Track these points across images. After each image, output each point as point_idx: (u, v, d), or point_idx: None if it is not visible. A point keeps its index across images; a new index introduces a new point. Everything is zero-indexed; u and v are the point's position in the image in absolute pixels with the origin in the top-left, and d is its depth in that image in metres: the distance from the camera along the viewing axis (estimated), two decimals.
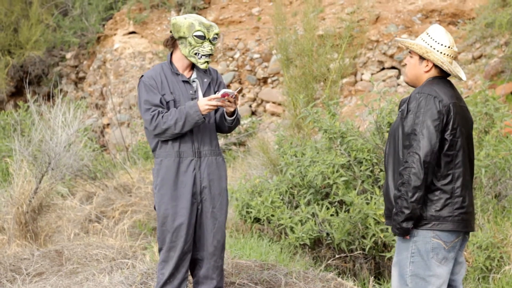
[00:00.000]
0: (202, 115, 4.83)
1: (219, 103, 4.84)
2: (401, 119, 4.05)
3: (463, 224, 4.03)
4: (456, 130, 3.99)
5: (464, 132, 4.07)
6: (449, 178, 4.00)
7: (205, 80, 5.08)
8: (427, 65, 4.13)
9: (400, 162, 4.02)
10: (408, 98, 4.08)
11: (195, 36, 4.89)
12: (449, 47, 4.09)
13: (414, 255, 4.03)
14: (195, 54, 4.94)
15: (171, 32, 5.03)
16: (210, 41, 4.95)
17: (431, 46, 4.08)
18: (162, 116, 4.87)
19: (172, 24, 4.95)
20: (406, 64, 4.25)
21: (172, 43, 5.05)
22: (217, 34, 4.99)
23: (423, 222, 4.00)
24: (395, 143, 4.10)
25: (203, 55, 4.94)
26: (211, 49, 4.96)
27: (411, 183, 3.88)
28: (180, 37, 4.95)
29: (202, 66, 4.96)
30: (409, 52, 4.21)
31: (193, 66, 5.08)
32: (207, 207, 5.02)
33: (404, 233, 4.00)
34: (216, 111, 5.06)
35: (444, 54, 4.08)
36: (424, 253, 4.01)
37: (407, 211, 3.92)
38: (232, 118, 5.02)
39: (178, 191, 4.94)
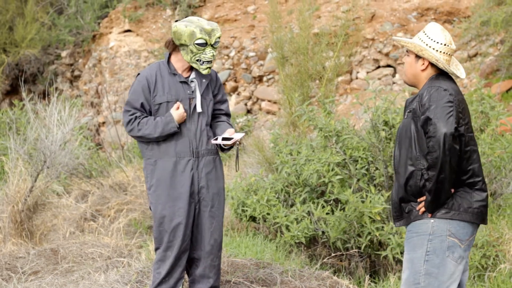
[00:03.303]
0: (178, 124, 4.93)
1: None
2: (413, 118, 4.00)
3: (481, 217, 4.02)
4: (469, 125, 4.00)
5: (471, 126, 4.08)
6: (470, 173, 4.00)
7: (204, 80, 5.06)
8: (423, 63, 4.13)
9: (415, 160, 3.98)
10: (416, 97, 4.06)
11: (196, 44, 4.84)
12: (445, 44, 4.08)
13: (429, 254, 3.99)
14: (197, 60, 4.91)
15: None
16: (212, 45, 4.93)
17: (426, 44, 4.08)
18: (138, 123, 4.89)
19: (173, 32, 4.87)
20: (403, 63, 4.24)
21: (173, 45, 5.00)
22: (219, 37, 4.96)
23: (442, 210, 3.97)
24: (407, 143, 4.04)
25: (205, 61, 4.93)
26: (213, 55, 4.92)
27: (437, 166, 3.84)
28: (182, 44, 4.91)
29: (204, 72, 4.95)
30: (406, 51, 4.21)
31: (192, 67, 5.07)
32: (205, 207, 5.02)
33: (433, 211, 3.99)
34: (212, 107, 5.10)
35: (440, 51, 4.07)
36: (440, 252, 3.97)
37: (434, 193, 3.90)
38: (227, 148, 5.12)
39: (176, 191, 4.94)
